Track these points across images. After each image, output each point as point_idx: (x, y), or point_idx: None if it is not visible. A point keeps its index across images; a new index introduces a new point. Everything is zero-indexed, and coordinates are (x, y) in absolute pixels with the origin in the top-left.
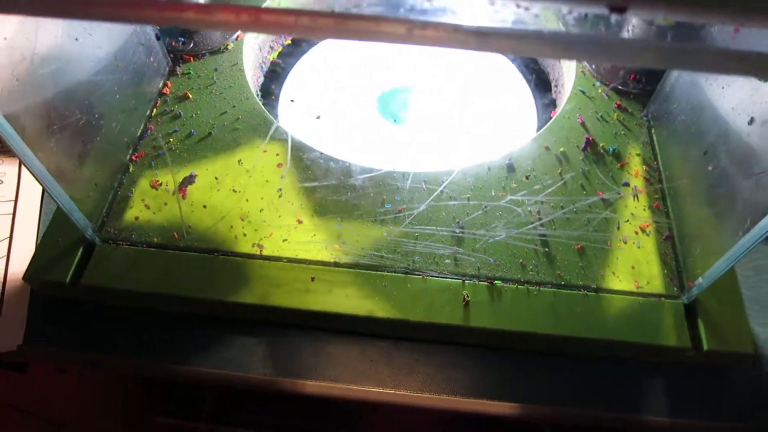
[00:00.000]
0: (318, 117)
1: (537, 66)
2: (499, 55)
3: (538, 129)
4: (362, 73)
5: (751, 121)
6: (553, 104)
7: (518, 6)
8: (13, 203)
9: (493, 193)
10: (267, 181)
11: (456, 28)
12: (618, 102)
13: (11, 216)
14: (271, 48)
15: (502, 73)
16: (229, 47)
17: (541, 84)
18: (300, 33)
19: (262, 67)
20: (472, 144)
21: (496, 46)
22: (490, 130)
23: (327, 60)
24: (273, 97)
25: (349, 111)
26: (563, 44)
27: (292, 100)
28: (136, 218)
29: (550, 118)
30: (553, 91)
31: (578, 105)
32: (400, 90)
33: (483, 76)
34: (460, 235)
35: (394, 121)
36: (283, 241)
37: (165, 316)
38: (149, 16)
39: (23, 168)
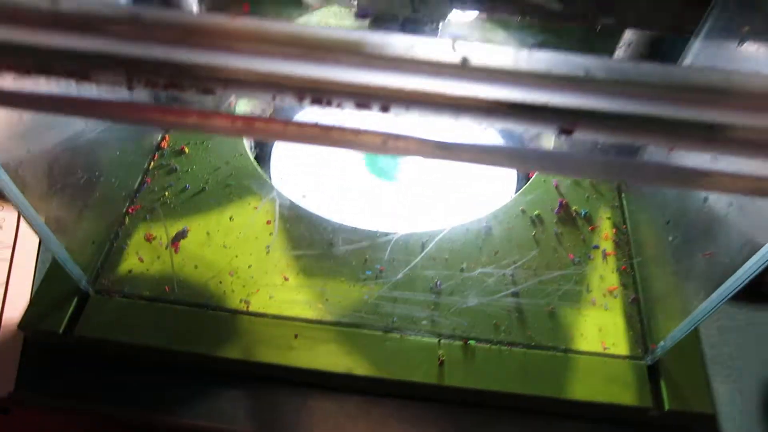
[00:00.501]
0: (304, 196)
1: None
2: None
3: (518, 189)
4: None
5: (705, 200)
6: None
7: (479, 125)
8: (10, 250)
9: (470, 257)
10: (256, 238)
11: (424, 141)
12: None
13: (8, 262)
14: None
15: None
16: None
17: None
18: (288, 139)
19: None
20: (456, 203)
21: (458, 156)
22: (474, 190)
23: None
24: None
25: (339, 167)
26: (518, 158)
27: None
28: (130, 271)
29: (529, 178)
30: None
31: (531, 189)
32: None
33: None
34: (437, 298)
35: (382, 177)
36: (269, 298)
37: (155, 368)
38: (154, 119)
39: (21, 224)
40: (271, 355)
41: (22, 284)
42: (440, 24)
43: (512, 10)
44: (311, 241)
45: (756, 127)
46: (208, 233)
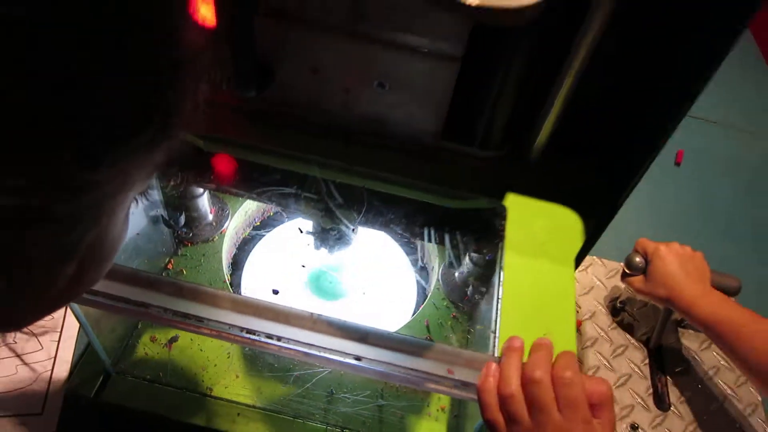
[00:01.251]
0: (276, 292)
1: (426, 272)
2: (396, 252)
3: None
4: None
5: None
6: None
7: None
8: (58, 333)
9: (355, 377)
10: (221, 346)
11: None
12: (453, 314)
13: (57, 342)
14: (244, 231)
15: (399, 267)
16: (215, 239)
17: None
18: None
19: (236, 244)
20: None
21: (313, 360)
22: (378, 309)
23: (283, 244)
24: (239, 268)
25: (290, 286)
26: (340, 364)
27: (276, 292)
28: (139, 360)
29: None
30: (427, 292)
31: (428, 313)
32: (325, 270)
33: (385, 270)
34: (329, 400)
35: (323, 297)
36: (225, 387)
37: (154, 425)
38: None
39: (68, 312)
40: (222, 425)
41: (65, 357)
42: (355, 228)
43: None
44: (257, 360)
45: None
46: (191, 339)
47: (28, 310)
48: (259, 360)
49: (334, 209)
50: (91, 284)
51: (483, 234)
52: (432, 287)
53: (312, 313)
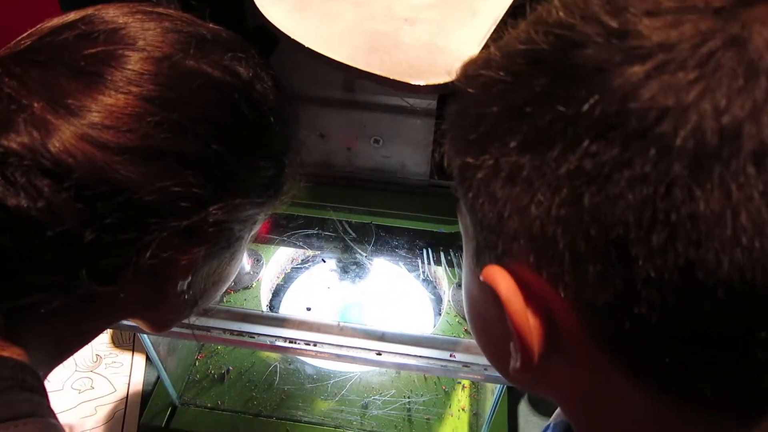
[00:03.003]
0: (309, 309)
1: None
2: (410, 280)
3: None
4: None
5: None
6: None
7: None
8: (128, 377)
9: (384, 386)
10: (267, 371)
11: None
12: (465, 327)
13: (127, 385)
14: (278, 277)
15: (416, 295)
16: (253, 285)
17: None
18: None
19: (271, 289)
20: None
21: (343, 360)
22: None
23: (311, 283)
24: (275, 309)
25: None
26: (365, 361)
27: (309, 309)
28: (199, 392)
29: None
30: (441, 310)
31: (444, 328)
32: (352, 304)
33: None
34: (364, 409)
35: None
36: (274, 408)
37: None
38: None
39: (134, 356)
40: None
41: (135, 396)
42: (368, 256)
43: None
44: (292, 378)
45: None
46: (240, 372)
47: (182, 316)
48: (299, 378)
49: (350, 243)
50: (212, 300)
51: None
52: (444, 307)
53: (338, 322)
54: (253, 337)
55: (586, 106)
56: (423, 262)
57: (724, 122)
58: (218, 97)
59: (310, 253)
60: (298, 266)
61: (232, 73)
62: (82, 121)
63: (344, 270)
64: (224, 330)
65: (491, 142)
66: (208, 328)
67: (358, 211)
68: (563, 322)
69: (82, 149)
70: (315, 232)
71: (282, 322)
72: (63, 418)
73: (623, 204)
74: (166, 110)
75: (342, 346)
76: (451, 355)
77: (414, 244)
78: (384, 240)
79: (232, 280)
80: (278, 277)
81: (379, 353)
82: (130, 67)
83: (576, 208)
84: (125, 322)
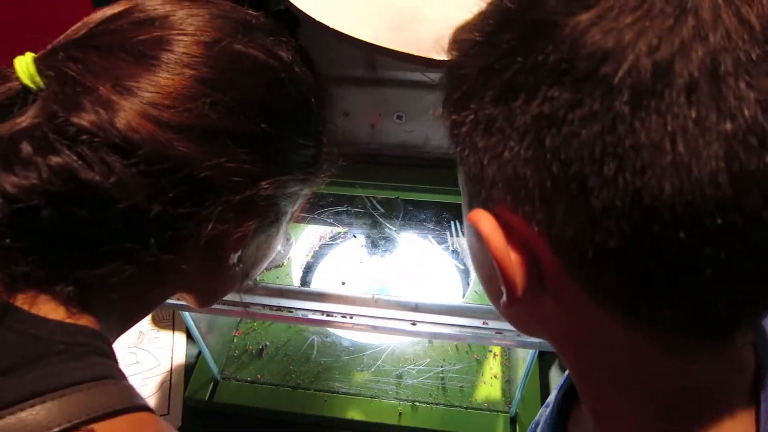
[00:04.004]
0: (344, 283)
1: (465, 267)
2: (438, 253)
3: None
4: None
5: None
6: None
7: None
8: (170, 352)
9: (417, 356)
10: (303, 345)
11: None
12: None
13: (170, 359)
14: (307, 255)
15: (445, 268)
16: (284, 264)
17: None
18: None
19: (301, 267)
20: None
21: (381, 331)
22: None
23: (341, 259)
24: (307, 285)
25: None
26: (400, 331)
27: (344, 283)
28: (239, 367)
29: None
30: (469, 281)
31: (472, 299)
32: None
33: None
34: (398, 379)
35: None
36: (311, 380)
37: (262, 422)
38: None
39: (175, 334)
40: (313, 410)
41: (178, 370)
42: (397, 230)
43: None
44: (329, 351)
45: None
46: (277, 347)
47: (231, 288)
48: (335, 350)
49: (378, 218)
50: (257, 273)
51: None
52: (472, 277)
53: (373, 295)
54: (291, 312)
55: (541, 56)
56: (451, 234)
57: (656, 59)
58: (265, 79)
59: (339, 230)
60: (327, 243)
61: (276, 57)
62: (143, 101)
63: (374, 245)
64: (263, 305)
65: (471, 98)
66: (248, 304)
67: (385, 186)
68: (542, 257)
69: (145, 127)
70: (344, 209)
71: (319, 296)
72: None
73: (577, 142)
74: (219, 91)
75: (377, 317)
76: (483, 323)
77: (441, 216)
78: (412, 214)
79: (274, 254)
80: (308, 255)
81: (413, 323)
82: (183, 50)
83: (540, 149)
84: (170, 301)
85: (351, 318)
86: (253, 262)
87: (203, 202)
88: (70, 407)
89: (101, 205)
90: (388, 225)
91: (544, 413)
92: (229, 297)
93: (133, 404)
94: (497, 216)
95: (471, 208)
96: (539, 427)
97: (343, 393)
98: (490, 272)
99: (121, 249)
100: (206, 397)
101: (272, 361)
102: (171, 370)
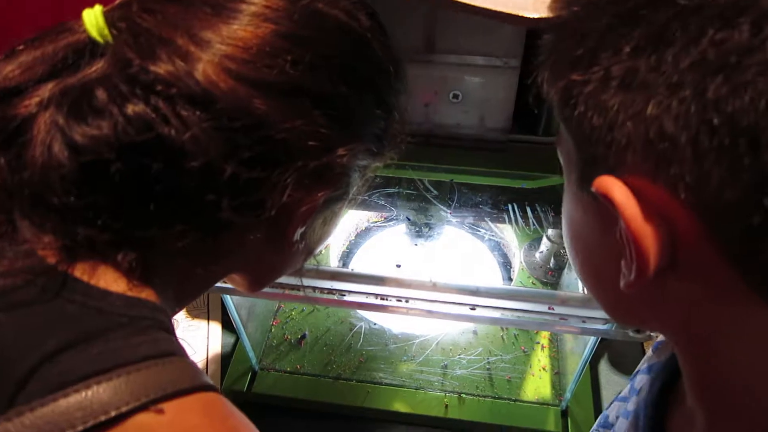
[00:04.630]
0: (398, 266)
1: (506, 258)
2: (483, 249)
3: None
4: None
5: None
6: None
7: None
8: (206, 341)
9: (463, 347)
10: (344, 334)
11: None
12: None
13: (206, 347)
14: (343, 244)
15: (484, 260)
16: (323, 252)
17: (507, 265)
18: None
19: (338, 256)
20: None
21: (436, 316)
22: None
23: (374, 248)
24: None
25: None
26: (457, 316)
27: (399, 265)
28: (278, 356)
29: None
30: (511, 274)
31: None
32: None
33: (470, 260)
34: (444, 370)
35: None
36: (353, 371)
37: (297, 412)
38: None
39: (210, 323)
40: (356, 402)
41: (214, 358)
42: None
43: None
44: (375, 340)
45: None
46: (316, 336)
47: (291, 267)
48: (381, 339)
49: (432, 200)
50: (315, 253)
51: (557, 205)
52: (517, 269)
53: (430, 278)
54: (344, 295)
55: None
56: (509, 220)
57: None
58: (347, 40)
59: (386, 213)
60: (365, 231)
61: (358, 20)
62: (223, 54)
63: (417, 236)
64: (314, 288)
65: (601, 52)
66: (298, 287)
67: (438, 169)
68: (682, 229)
69: (224, 80)
70: (395, 190)
71: (373, 279)
72: None
73: (752, 91)
74: (301, 48)
75: (435, 301)
76: (549, 308)
77: (497, 200)
78: (466, 197)
79: (333, 235)
80: (345, 244)
81: (473, 308)
82: (265, 3)
83: (699, 101)
84: (219, 284)
85: (407, 302)
86: (315, 240)
87: (278, 166)
88: (138, 385)
89: (175, 161)
90: (442, 207)
91: (619, 407)
92: (278, 280)
93: (202, 383)
94: (627, 183)
95: (585, 178)
96: (618, 421)
97: (386, 384)
98: (601, 251)
99: (190, 210)
100: (244, 388)
101: (312, 351)
102: (207, 360)
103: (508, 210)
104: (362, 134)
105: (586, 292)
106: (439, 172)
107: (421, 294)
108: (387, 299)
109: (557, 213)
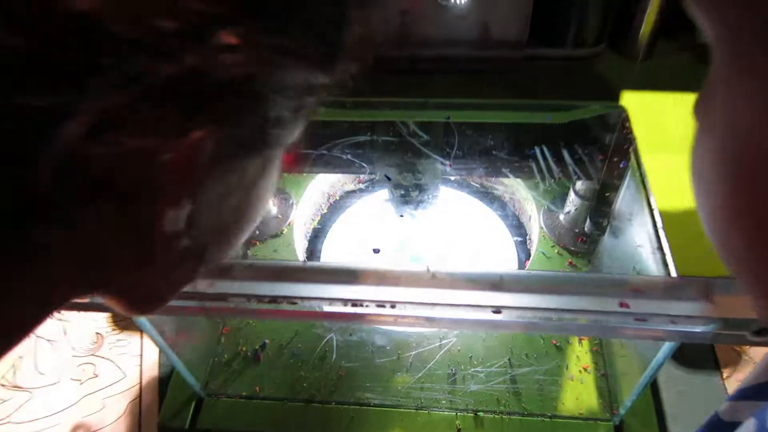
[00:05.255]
0: (377, 251)
1: (519, 225)
2: (488, 213)
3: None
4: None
5: None
6: (526, 253)
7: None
8: (139, 359)
9: (475, 347)
10: (316, 343)
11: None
12: (570, 260)
13: (139, 367)
14: (313, 219)
15: (491, 226)
16: (283, 232)
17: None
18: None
19: (306, 235)
20: None
21: (438, 324)
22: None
23: (352, 224)
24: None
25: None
26: (472, 323)
27: (377, 250)
28: (230, 377)
29: (525, 267)
30: (526, 241)
31: (540, 265)
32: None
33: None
34: (453, 382)
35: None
36: (331, 390)
37: None
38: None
39: (145, 337)
40: (335, 429)
41: (152, 383)
42: (438, 186)
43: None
44: (355, 354)
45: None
46: (280, 346)
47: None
48: (363, 349)
49: (422, 149)
50: (226, 252)
51: (601, 145)
52: (536, 237)
53: (428, 268)
54: (296, 303)
55: None
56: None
57: None
58: None
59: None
60: (340, 203)
61: None
62: None
63: (405, 203)
64: (249, 297)
65: None
66: (224, 296)
67: (427, 105)
68: None
69: None
70: (366, 138)
71: (338, 274)
72: (64, 418)
73: None
74: None
75: (437, 304)
76: (621, 304)
77: (517, 142)
78: (471, 140)
79: (257, 219)
80: (315, 219)
81: (497, 310)
82: None
83: None
84: (84, 301)
85: (393, 307)
86: (214, 229)
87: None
88: None
89: None
90: (440, 159)
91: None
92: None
93: None
94: None
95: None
96: None
97: (376, 405)
98: None
99: None
100: (187, 423)
101: (275, 366)
102: (141, 387)
103: (533, 155)
104: (282, 22)
105: (672, 270)
106: (430, 109)
107: (415, 293)
108: (363, 305)
109: (590, 160)
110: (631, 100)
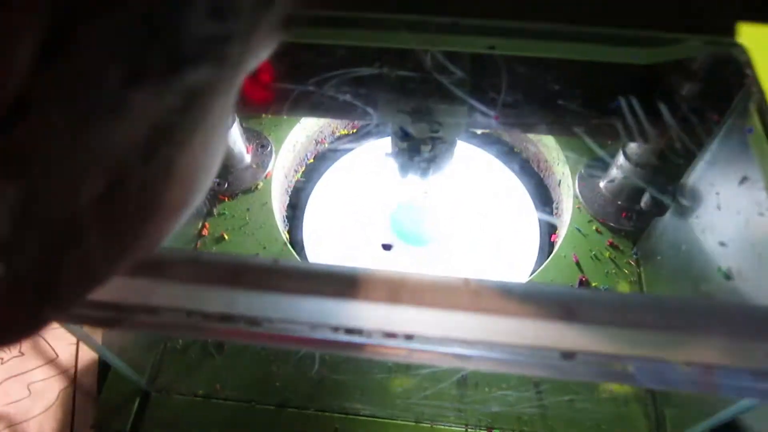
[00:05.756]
0: (388, 248)
1: (544, 190)
2: (505, 173)
3: (537, 262)
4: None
5: (728, 278)
6: (552, 227)
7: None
8: (75, 347)
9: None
10: None
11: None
12: (610, 240)
13: (75, 348)
14: (296, 172)
15: (509, 192)
16: (259, 186)
17: (545, 199)
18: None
19: (288, 191)
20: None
21: (476, 364)
22: (494, 258)
23: (344, 179)
24: (298, 220)
25: (368, 236)
26: (527, 366)
27: (387, 247)
28: (184, 370)
29: (551, 242)
30: (553, 212)
31: (573, 243)
32: (412, 208)
33: (489, 193)
34: (463, 389)
35: (410, 243)
36: (309, 393)
37: None
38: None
39: None
40: None
41: (90, 368)
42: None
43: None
44: (344, 367)
45: None
46: None
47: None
48: (350, 366)
49: (453, 90)
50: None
51: (709, 98)
52: (568, 209)
53: (466, 279)
54: (260, 325)
55: None
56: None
57: None
58: None
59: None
60: (329, 151)
61: None
62: None
63: (411, 166)
64: (189, 312)
65: None
66: (153, 309)
67: (461, 28)
68: None
69: None
70: (372, 72)
71: (329, 282)
72: None
73: None
74: None
75: (474, 342)
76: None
77: (594, 87)
78: (526, 83)
79: (210, 177)
80: (297, 172)
81: (569, 355)
82: None
83: None
84: None
85: (410, 340)
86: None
87: None
88: None
89: None
90: (480, 107)
91: None
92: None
93: None
94: None
95: None
96: None
97: (366, 416)
98: None
99: None
100: (128, 425)
101: (241, 359)
102: (76, 369)
103: (618, 109)
104: None
105: None
106: (465, 34)
107: (441, 318)
108: (363, 333)
109: (700, 120)
110: (753, 36)
